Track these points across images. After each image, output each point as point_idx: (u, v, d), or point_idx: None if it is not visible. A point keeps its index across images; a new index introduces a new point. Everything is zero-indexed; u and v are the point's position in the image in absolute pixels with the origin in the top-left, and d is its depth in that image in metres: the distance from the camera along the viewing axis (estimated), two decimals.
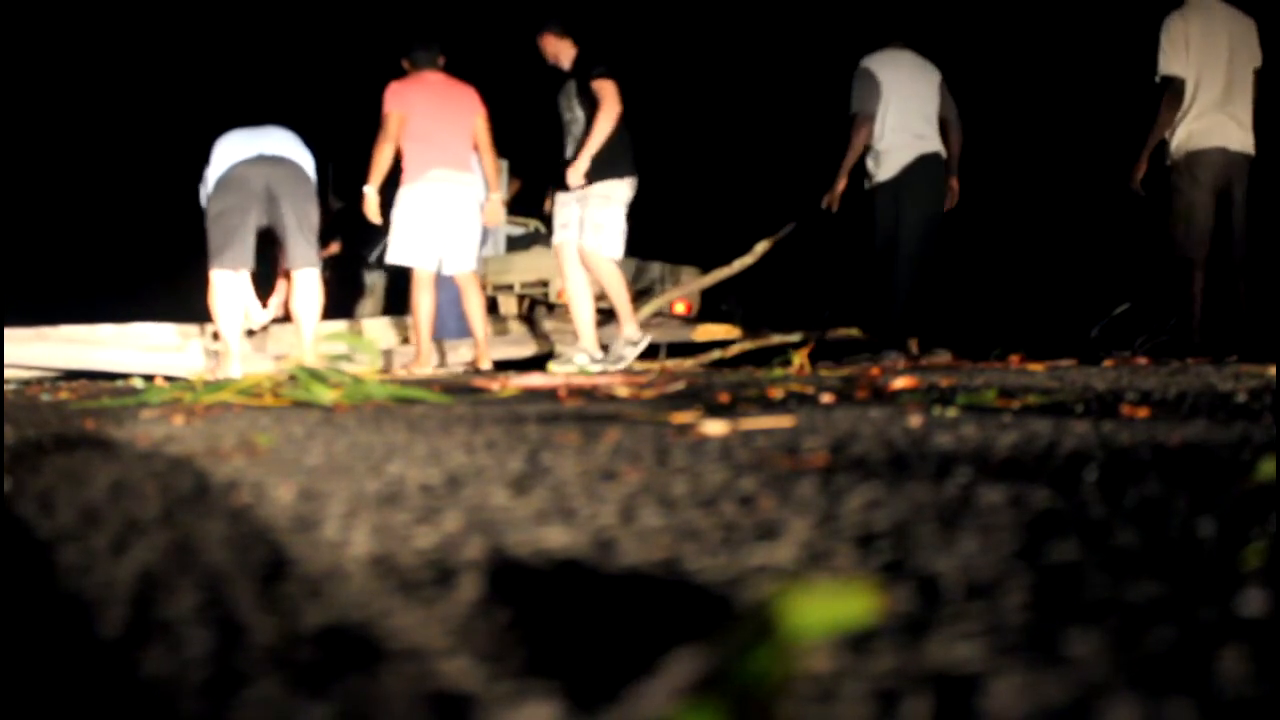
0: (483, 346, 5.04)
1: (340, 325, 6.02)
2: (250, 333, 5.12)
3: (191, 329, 5.53)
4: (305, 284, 4.66)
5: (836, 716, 0.38)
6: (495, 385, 2.88)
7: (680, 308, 7.73)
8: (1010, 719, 0.37)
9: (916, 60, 5.05)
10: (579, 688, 0.42)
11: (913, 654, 0.44)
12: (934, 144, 4.99)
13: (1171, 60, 4.37)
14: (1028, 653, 0.44)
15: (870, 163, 5.03)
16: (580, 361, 4.69)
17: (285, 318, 5.06)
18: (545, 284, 7.54)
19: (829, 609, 0.37)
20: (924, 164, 4.91)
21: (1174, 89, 4.37)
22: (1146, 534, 0.66)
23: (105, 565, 0.65)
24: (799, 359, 3.35)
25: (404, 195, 4.97)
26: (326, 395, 2.13)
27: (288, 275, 4.79)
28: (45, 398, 2.87)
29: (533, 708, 0.40)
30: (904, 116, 4.91)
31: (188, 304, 5.04)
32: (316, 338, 4.67)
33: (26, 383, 5.05)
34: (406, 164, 4.96)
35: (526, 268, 7.63)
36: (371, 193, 4.97)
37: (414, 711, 0.40)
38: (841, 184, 5.01)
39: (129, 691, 0.43)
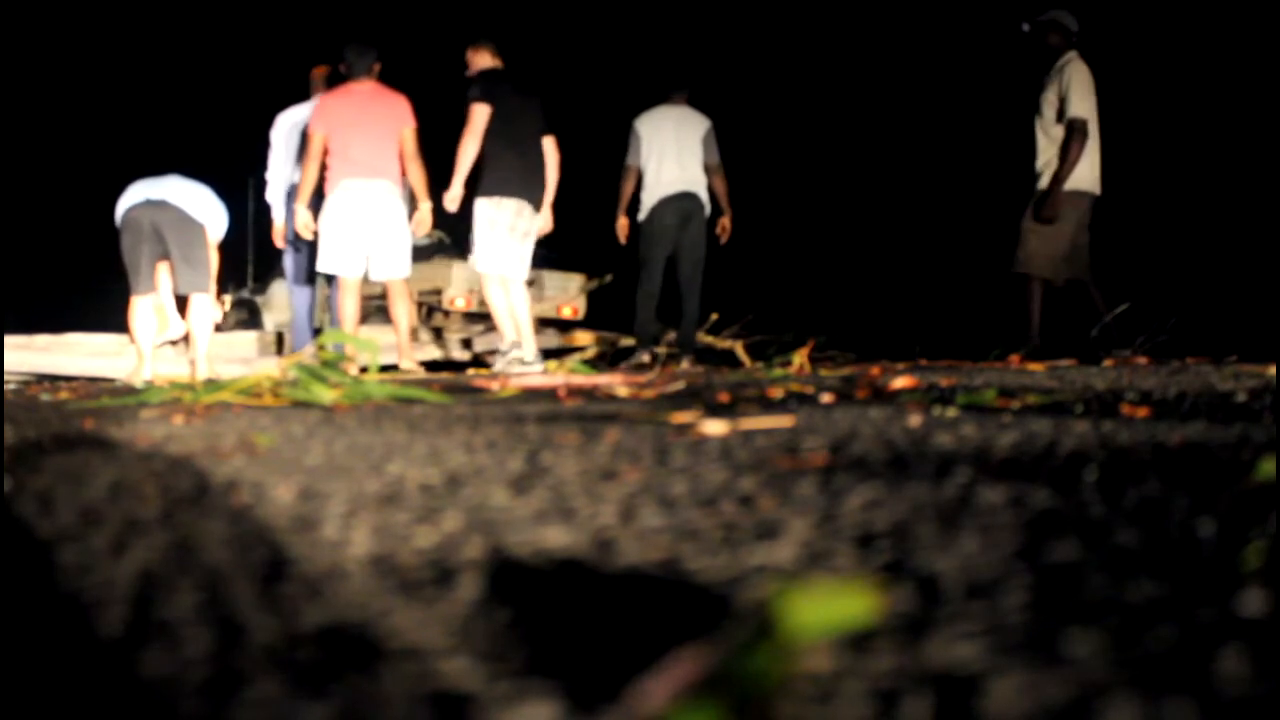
0: (405, 348, 5.37)
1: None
2: (173, 343, 5.89)
3: (125, 337, 5.87)
4: (196, 306, 5.46)
5: (836, 716, 0.38)
6: (495, 385, 2.88)
7: (568, 311, 8.17)
8: (1010, 719, 0.37)
9: (685, 113, 5.76)
10: (579, 688, 0.42)
11: (913, 654, 0.44)
12: (689, 186, 5.76)
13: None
14: (1028, 653, 0.44)
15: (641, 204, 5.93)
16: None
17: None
18: (439, 292, 7.85)
19: (829, 609, 0.37)
20: (675, 203, 5.70)
21: None
22: (1146, 534, 0.66)
23: (105, 565, 0.65)
24: (799, 359, 3.35)
25: (325, 205, 5.23)
26: (326, 395, 2.13)
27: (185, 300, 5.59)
28: (45, 398, 2.87)
29: (533, 708, 0.40)
30: (662, 166, 5.71)
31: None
32: (211, 351, 5.60)
33: (27, 383, 5.11)
34: (328, 175, 5.21)
35: (422, 276, 7.80)
36: (300, 209, 5.28)
37: (414, 711, 0.40)
38: (622, 220, 5.88)
39: (129, 691, 0.43)
